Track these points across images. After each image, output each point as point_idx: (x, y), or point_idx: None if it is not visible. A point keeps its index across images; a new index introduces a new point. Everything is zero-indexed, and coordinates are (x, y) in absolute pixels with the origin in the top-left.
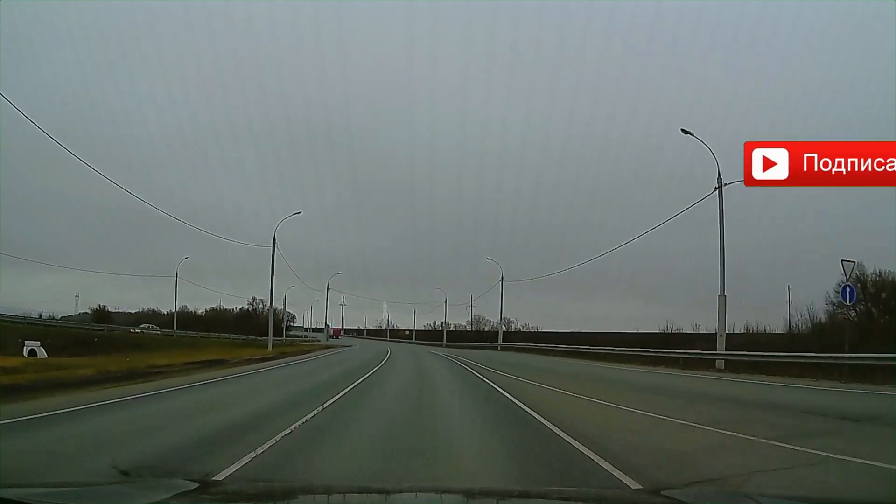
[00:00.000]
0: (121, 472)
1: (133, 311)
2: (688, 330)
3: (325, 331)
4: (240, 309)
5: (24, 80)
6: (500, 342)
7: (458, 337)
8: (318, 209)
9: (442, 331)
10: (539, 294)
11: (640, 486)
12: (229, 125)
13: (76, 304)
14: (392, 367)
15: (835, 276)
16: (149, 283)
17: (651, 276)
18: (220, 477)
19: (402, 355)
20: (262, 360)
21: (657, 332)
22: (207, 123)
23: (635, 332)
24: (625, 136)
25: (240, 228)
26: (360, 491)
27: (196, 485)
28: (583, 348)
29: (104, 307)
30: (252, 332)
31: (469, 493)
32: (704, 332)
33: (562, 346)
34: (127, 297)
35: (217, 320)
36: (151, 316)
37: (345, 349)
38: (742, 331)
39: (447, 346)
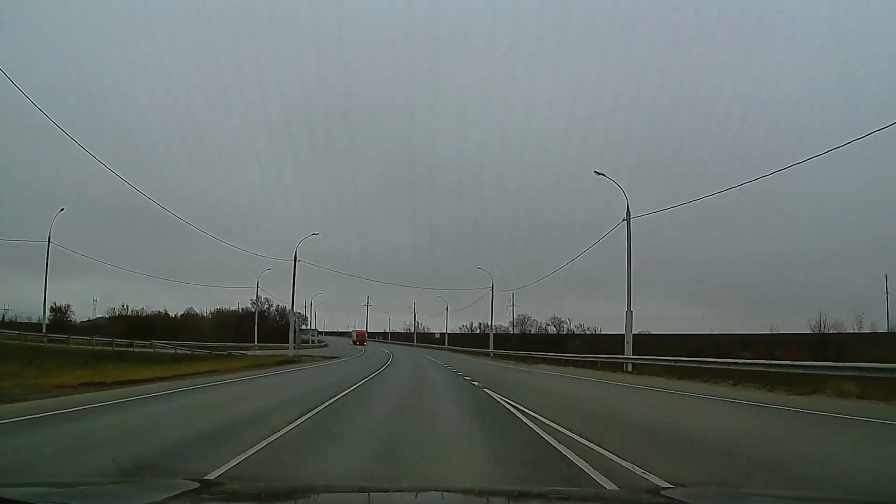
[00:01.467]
0: (121, 472)
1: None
2: (850, 328)
3: (295, 333)
4: (243, 309)
5: (22, 78)
6: (629, 354)
7: (499, 343)
8: (319, 207)
9: (487, 334)
10: (588, 295)
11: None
12: (241, 123)
13: (94, 308)
14: None
15: None
16: (165, 286)
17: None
18: None
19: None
20: None
21: (807, 332)
22: (221, 120)
23: (769, 332)
24: None
25: (253, 228)
26: (361, 491)
27: (196, 485)
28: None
29: (66, 307)
30: (250, 335)
31: (469, 493)
32: (870, 330)
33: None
34: (144, 300)
35: (221, 322)
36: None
37: (301, 368)
38: None
39: (495, 354)
